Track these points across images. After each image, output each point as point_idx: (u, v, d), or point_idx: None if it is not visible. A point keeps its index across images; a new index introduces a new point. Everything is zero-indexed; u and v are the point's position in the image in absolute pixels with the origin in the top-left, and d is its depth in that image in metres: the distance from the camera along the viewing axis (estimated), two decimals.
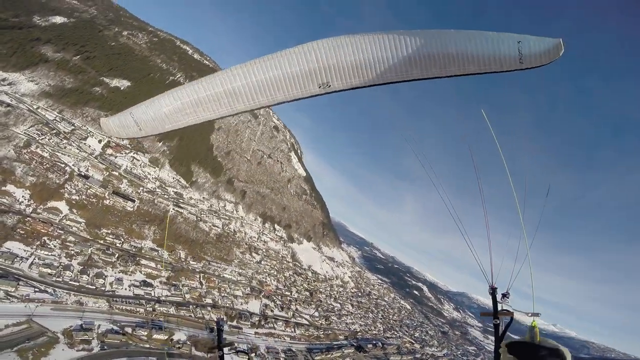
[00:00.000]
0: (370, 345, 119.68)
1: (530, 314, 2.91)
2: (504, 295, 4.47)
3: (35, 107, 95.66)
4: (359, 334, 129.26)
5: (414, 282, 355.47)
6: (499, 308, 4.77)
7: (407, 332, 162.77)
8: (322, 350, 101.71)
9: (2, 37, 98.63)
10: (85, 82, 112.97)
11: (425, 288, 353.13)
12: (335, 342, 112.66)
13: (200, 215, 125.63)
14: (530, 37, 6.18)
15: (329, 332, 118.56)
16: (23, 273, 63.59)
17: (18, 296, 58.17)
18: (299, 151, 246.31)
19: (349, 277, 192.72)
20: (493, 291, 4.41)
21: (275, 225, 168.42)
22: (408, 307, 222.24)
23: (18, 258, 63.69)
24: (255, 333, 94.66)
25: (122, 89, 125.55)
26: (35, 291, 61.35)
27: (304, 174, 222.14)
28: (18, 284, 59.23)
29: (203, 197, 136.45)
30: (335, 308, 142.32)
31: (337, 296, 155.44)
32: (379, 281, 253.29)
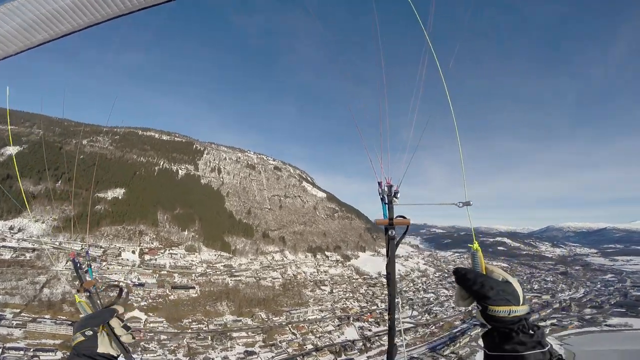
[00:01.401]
0: None
1: (460, 204, 1.78)
2: (395, 195, 2.87)
3: (58, 244, 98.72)
4: (473, 311, 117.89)
5: (491, 240, 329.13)
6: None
7: (523, 288, 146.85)
8: (446, 344, 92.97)
9: None
10: (84, 204, 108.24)
11: (506, 239, 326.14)
12: (454, 330, 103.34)
13: (257, 275, 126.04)
14: None
15: (441, 323, 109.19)
16: None
17: None
18: (309, 178, 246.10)
19: (424, 264, 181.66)
20: (389, 189, 2.72)
21: (326, 253, 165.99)
22: (504, 265, 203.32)
23: None
24: (368, 357, 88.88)
25: (120, 197, 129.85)
26: None
27: (324, 194, 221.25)
28: None
29: (250, 259, 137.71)
30: (431, 298, 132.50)
31: (425, 287, 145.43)
32: (457, 254, 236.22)
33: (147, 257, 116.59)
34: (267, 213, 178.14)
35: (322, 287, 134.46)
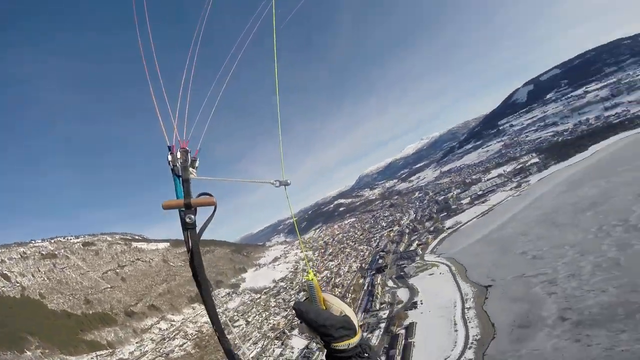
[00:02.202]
0: None
1: (277, 183, 1.21)
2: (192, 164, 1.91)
3: None
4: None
5: (331, 206, 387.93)
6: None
7: (375, 231, 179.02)
8: None
9: None
10: None
11: (341, 200, 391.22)
12: None
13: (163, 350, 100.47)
14: None
15: None
16: None
17: None
18: (136, 236, 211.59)
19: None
20: (183, 155, 1.78)
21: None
22: (352, 220, 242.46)
23: None
24: None
25: None
26: None
27: (166, 244, 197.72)
28: None
29: (138, 341, 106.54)
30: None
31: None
32: (319, 229, 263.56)
33: None
34: (112, 292, 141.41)
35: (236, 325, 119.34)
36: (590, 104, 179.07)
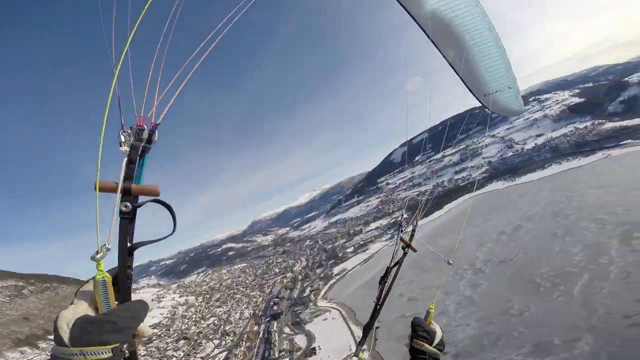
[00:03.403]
0: None
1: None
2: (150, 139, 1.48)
3: None
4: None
5: (219, 249, 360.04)
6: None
7: (274, 274, 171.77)
8: None
9: None
10: None
11: (231, 244, 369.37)
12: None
13: None
14: (515, 89, 6.21)
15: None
16: None
17: None
18: None
19: (181, 296, 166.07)
20: (137, 133, 1.42)
21: (48, 337, 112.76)
22: (244, 264, 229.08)
23: None
24: None
25: None
26: None
27: None
28: None
29: None
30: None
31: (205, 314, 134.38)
32: (205, 272, 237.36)
33: None
34: None
35: None
36: (446, 167, 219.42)
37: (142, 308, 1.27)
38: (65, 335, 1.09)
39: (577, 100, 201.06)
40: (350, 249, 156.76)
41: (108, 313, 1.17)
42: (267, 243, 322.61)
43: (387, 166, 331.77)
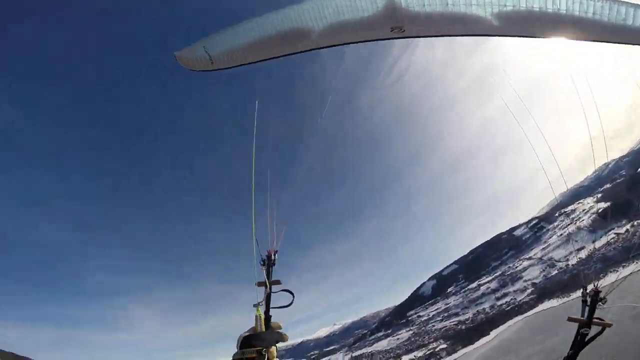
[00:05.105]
0: None
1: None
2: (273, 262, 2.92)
3: None
4: None
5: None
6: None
7: None
8: None
9: None
10: None
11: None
12: None
13: None
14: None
15: None
16: None
17: None
18: None
19: None
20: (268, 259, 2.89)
21: None
22: None
23: None
24: None
25: None
26: None
27: None
28: None
29: None
30: None
31: None
32: None
33: None
34: None
35: None
36: (484, 295, 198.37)
37: (278, 334, 2.57)
38: (237, 343, 2.47)
39: (603, 205, 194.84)
40: None
41: (258, 332, 2.54)
42: None
43: (417, 300, 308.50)
